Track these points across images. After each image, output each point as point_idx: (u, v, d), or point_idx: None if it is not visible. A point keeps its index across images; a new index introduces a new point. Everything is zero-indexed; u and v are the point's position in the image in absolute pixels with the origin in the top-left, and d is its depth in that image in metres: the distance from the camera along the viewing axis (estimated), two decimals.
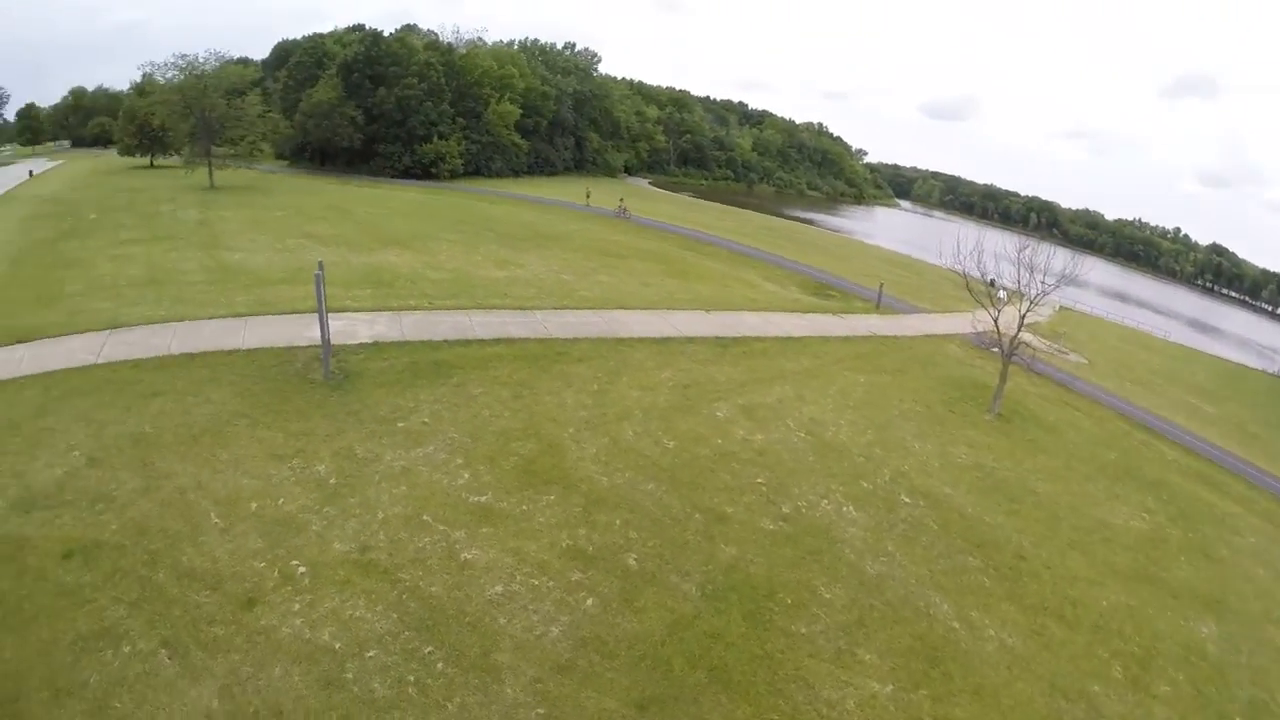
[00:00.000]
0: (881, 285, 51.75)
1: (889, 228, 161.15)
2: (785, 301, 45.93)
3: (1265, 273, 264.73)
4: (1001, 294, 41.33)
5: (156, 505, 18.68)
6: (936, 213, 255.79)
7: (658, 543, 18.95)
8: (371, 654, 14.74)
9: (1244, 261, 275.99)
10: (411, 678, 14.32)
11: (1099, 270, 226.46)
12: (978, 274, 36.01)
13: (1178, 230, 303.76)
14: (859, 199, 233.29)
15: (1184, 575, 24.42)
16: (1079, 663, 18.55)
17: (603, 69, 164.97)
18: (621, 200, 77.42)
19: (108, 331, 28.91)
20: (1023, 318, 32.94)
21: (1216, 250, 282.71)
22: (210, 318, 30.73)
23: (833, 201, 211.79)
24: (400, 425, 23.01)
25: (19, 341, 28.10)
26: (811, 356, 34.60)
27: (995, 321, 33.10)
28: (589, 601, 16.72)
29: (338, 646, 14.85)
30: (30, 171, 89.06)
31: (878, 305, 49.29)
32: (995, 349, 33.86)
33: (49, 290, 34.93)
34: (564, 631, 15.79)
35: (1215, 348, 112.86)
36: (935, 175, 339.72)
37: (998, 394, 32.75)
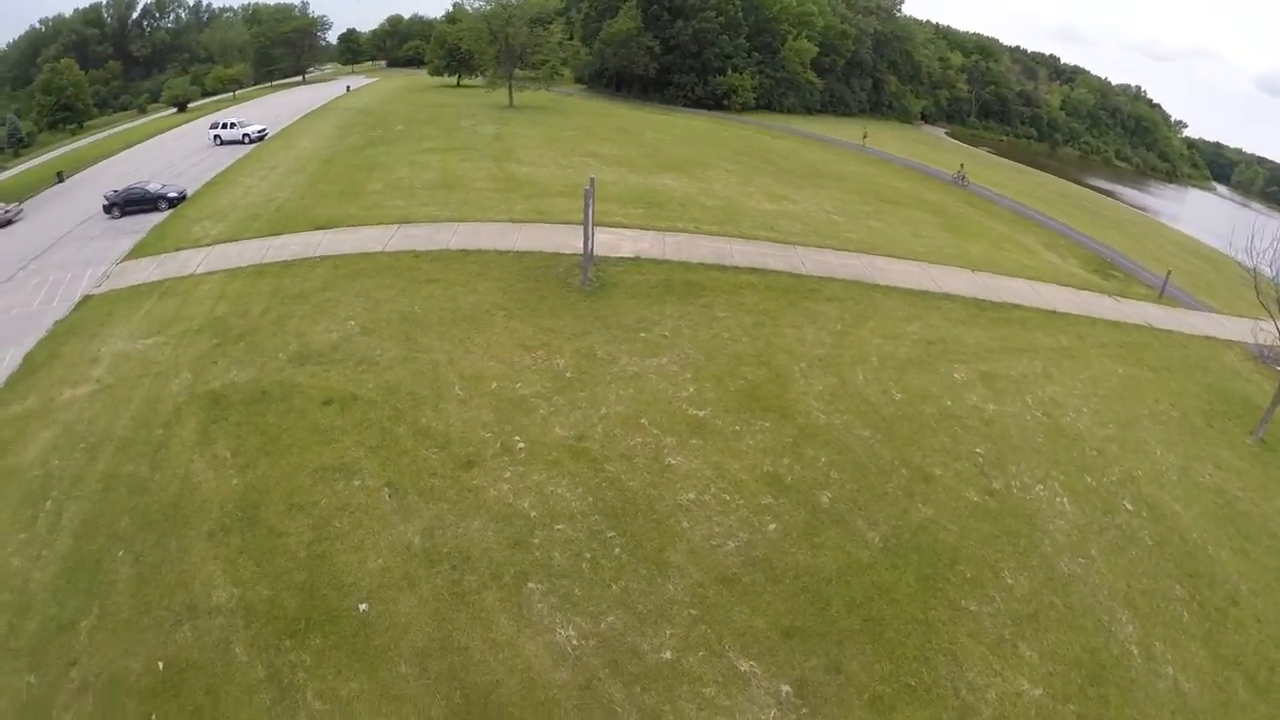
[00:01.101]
0: (1169, 273, 46.14)
1: (1199, 212, 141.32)
2: (1060, 273, 42.34)
3: None
4: None
5: (410, 373, 21.63)
6: (1255, 203, 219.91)
7: (855, 487, 19.05)
8: (560, 527, 16.54)
9: None
10: (588, 555, 15.92)
11: None
12: (1270, 273, 31.32)
13: None
14: (1171, 176, 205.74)
15: None
16: None
17: (907, 10, 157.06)
18: (961, 166, 71.06)
19: (397, 225, 32.88)
20: None
21: None
22: (490, 221, 34.12)
23: (1141, 175, 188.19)
24: (642, 335, 24.70)
25: (319, 229, 33.00)
26: (1073, 335, 31.95)
27: (1278, 330, 28.68)
28: (771, 526, 17.34)
29: (533, 514, 16.79)
30: (348, 87, 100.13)
31: (1160, 294, 44.25)
32: (1277, 365, 29.33)
33: (352, 188, 40.11)
34: (739, 548, 16.60)
35: None
36: (1261, 161, 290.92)
37: (1266, 416, 28.28)
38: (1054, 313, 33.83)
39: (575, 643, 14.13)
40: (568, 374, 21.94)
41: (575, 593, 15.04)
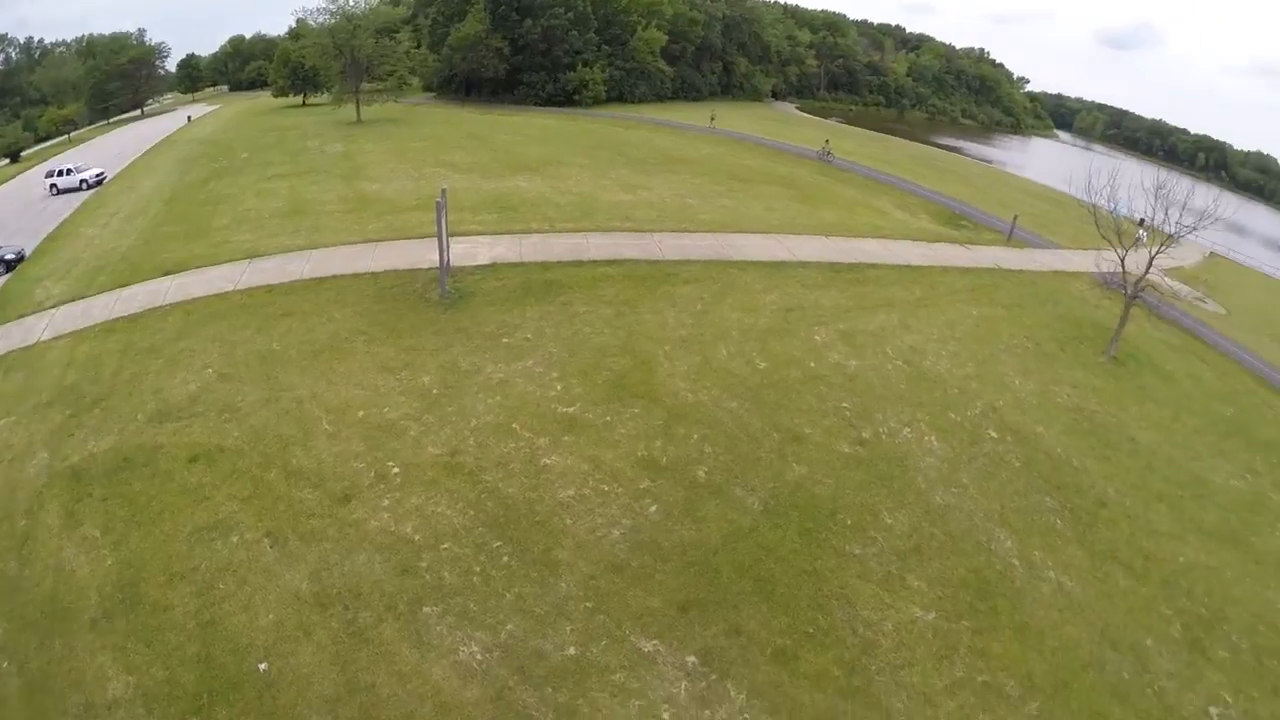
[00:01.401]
0: (1015, 217, 48.93)
1: (1043, 159, 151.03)
2: (911, 230, 44.21)
3: None
4: (1141, 234, 38.55)
5: (275, 414, 20.96)
6: (1097, 146, 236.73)
7: (729, 458, 19.59)
8: (446, 546, 16.38)
9: None
10: (478, 568, 15.86)
11: (1265, 219, 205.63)
12: (1109, 208, 33.76)
13: None
14: (1015, 129, 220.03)
15: (1278, 543, 22.73)
16: (1137, 615, 17.84)
17: None
18: (826, 142, 71.82)
19: (247, 261, 31.69)
20: (1153, 258, 30.50)
21: None
22: (343, 244, 33.17)
23: (987, 131, 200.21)
24: (504, 341, 24.52)
25: (166, 274, 31.44)
26: (926, 286, 33.55)
27: (1121, 260, 31.03)
28: (653, 509, 17.72)
29: (417, 538, 16.57)
30: (189, 117, 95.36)
31: (1008, 238, 46.88)
32: (1123, 289, 31.76)
33: (198, 226, 38.42)
34: (624, 535, 16.90)
35: None
36: (1101, 107, 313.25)
37: (1115, 336, 30.73)
38: (908, 267, 35.44)
39: (480, 657, 14.09)
40: (434, 391, 21.68)
41: (471, 608, 14.97)
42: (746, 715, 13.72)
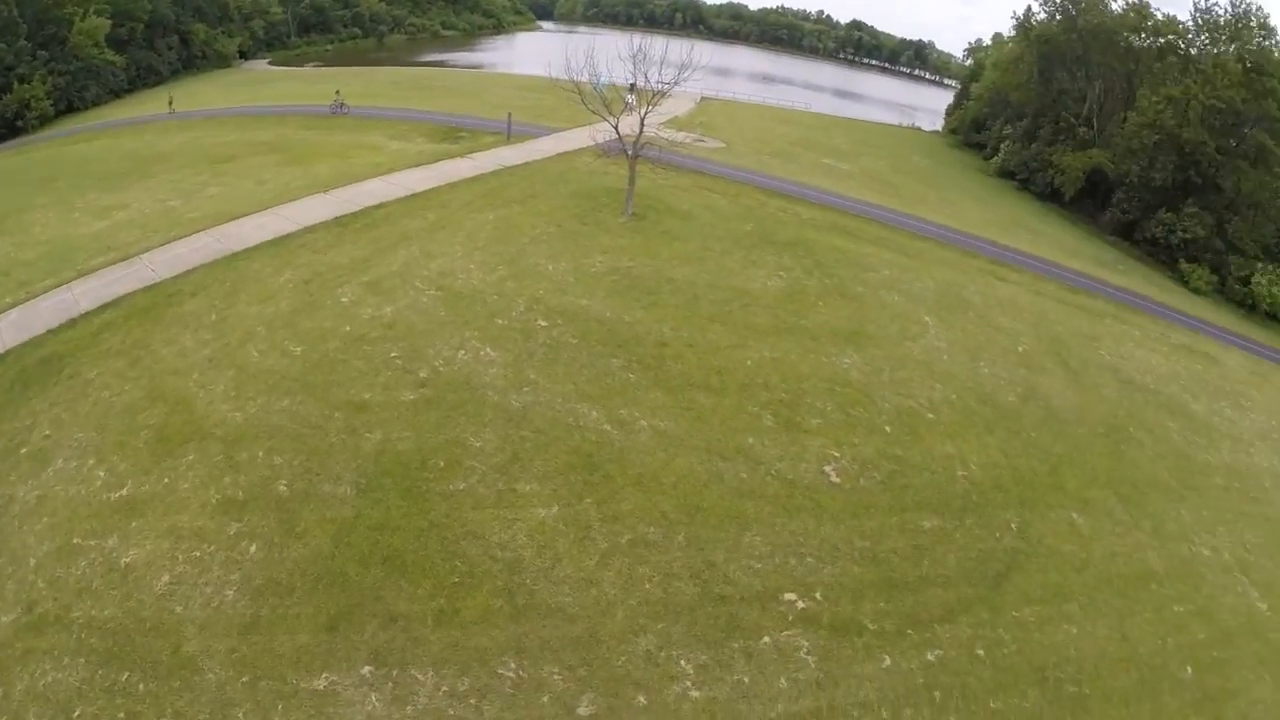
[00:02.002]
0: (510, 114, 51.14)
1: (528, 53, 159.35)
2: (410, 156, 43.99)
3: (902, 41, 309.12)
4: (630, 98, 42.41)
5: None
6: (581, 28, 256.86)
7: (304, 458, 18.87)
8: (77, 714, 14.27)
9: (882, 33, 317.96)
10: (121, 715, 14.12)
11: (745, 57, 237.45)
12: (592, 82, 36.47)
13: (820, 12, 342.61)
14: (499, 29, 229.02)
15: (823, 318, 27.40)
16: (731, 423, 20.99)
17: None
18: (337, 93, 66.26)
19: None
20: (643, 117, 33.70)
21: (856, 26, 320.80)
22: None
23: (470, 38, 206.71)
24: (23, 451, 20.60)
25: None
26: (438, 208, 34.09)
27: (615, 127, 33.69)
28: (253, 548, 16.81)
29: None
30: None
31: (507, 136, 49.10)
32: (625, 152, 34.69)
33: None
34: (238, 590, 15.98)
35: (859, 111, 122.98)
36: None
37: (628, 196, 34.01)
38: (415, 195, 35.79)
39: None
40: None
41: None
42: (445, 687, 14.24)
